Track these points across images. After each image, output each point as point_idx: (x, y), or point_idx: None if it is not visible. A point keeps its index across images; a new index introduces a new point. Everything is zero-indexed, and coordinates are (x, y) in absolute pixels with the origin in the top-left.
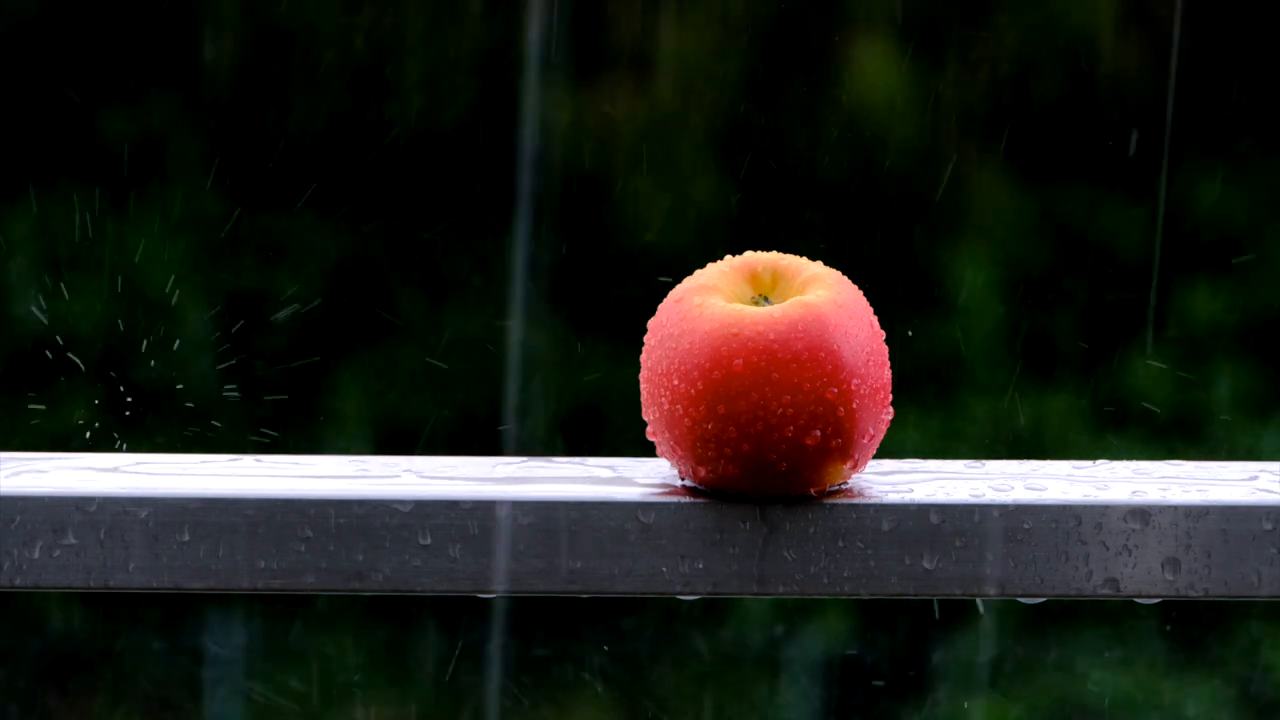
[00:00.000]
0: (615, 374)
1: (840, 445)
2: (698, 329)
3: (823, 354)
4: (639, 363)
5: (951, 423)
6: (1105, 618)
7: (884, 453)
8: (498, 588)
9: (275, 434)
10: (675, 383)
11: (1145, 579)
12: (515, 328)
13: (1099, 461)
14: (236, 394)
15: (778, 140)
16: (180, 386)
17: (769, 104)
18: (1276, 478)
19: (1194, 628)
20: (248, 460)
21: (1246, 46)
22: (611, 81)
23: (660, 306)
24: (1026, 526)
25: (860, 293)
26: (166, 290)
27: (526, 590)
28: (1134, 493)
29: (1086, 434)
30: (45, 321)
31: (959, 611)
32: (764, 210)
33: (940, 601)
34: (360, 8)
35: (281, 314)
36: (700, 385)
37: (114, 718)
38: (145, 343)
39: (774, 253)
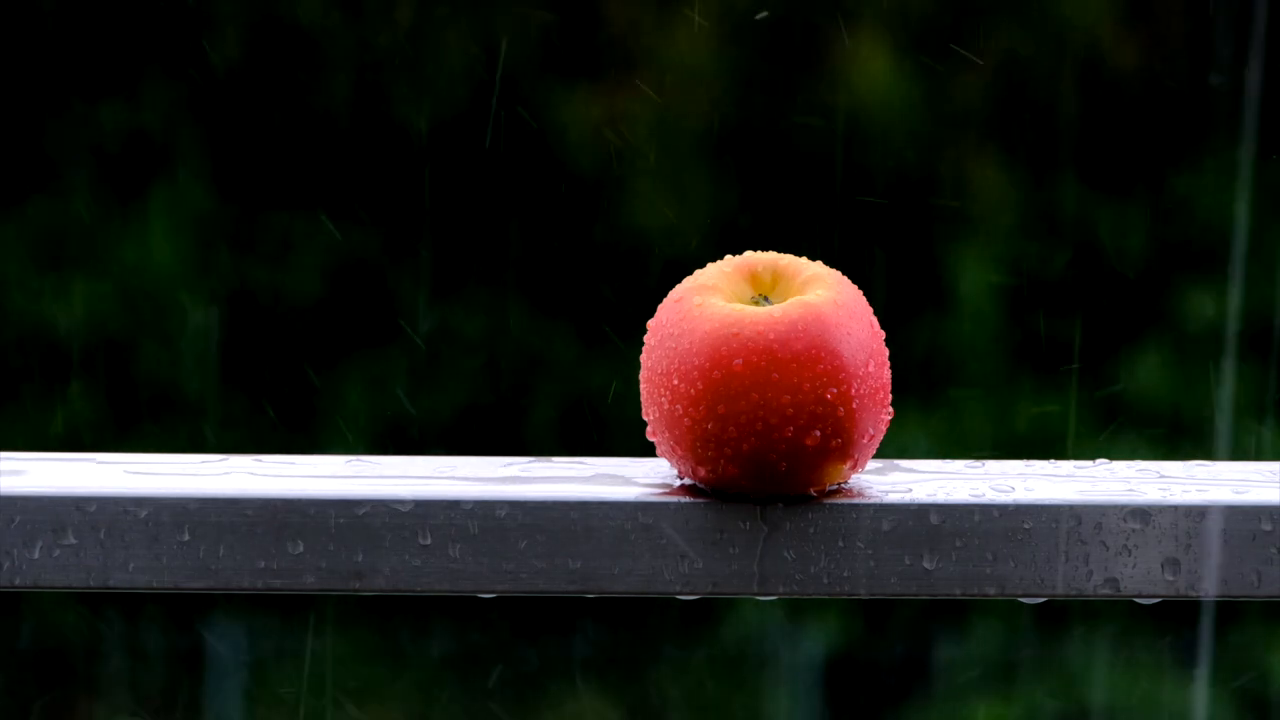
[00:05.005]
0: (615, 374)
1: (840, 445)
2: (698, 329)
3: (823, 354)
4: (639, 363)
5: (951, 423)
6: (1105, 618)
7: (884, 453)
8: (498, 588)
9: (275, 433)
10: (675, 383)
11: (1145, 579)
12: (515, 328)
13: (1099, 461)
14: (236, 393)
15: (777, 140)
16: (180, 386)
17: (768, 103)
18: (1277, 478)
19: (1194, 628)
20: (247, 460)
21: (1246, 45)
22: (611, 81)
23: (660, 306)
24: (1026, 526)
25: (860, 293)
26: (167, 289)
27: (526, 590)
28: (1134, 493)
29: (1086, 434)
30: (45, 321)
31: (959, 611)
32: (764, 209)
33: (940, 601)
34: (362, 6)
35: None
36: (700, 385)
37: (114, 718)
38: (145, 342)
39: (774, 252)
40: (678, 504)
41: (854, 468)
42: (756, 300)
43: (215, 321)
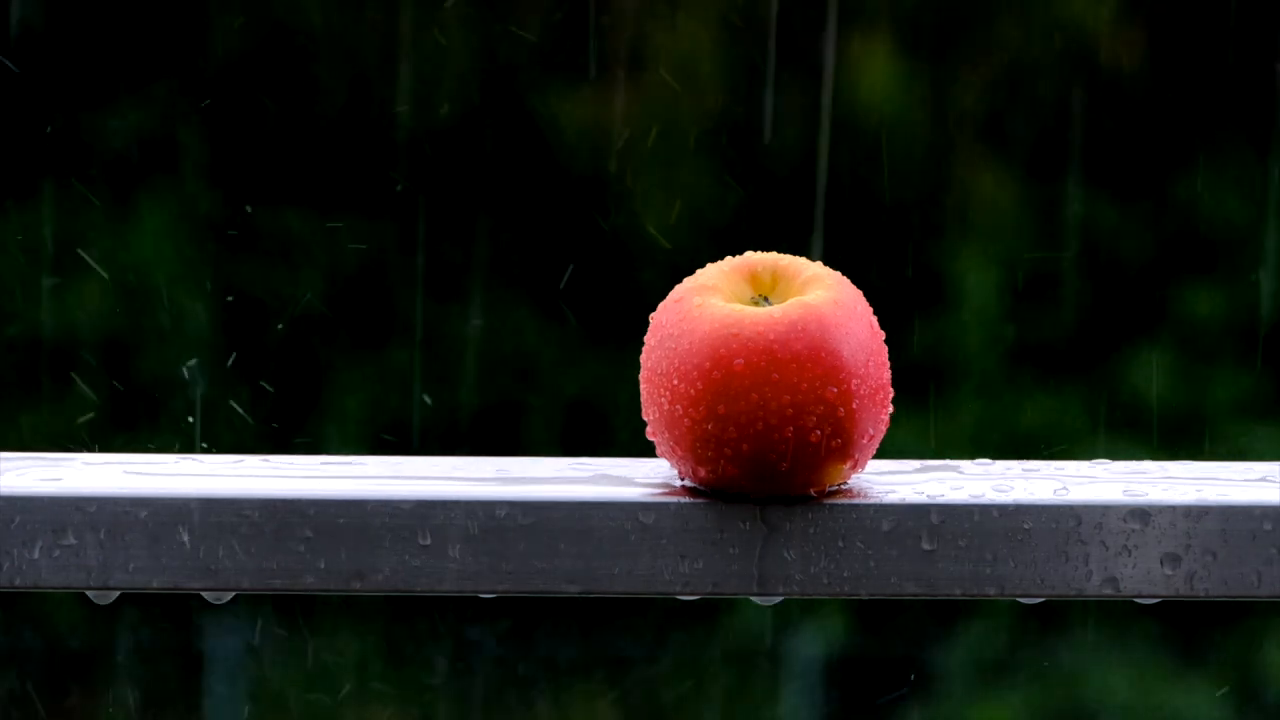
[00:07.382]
0: (615, 374)
1: (840, 445)
2: (697, 329)
3: (823, 354)
4: (639, 363)
5: (951, 423)
6: (1105, 618)
7: (884, 453)
8: (498, 588)
9: (275, 434)
10: (675, 383)
11: (1145, 579)
12: (514, 328)
13: (1099, 461)
14: (236, 393)
15: (777, 140)
16: (180, 386)
17: (768, 103)
18: (1277, 478)
19: (1194, 628)
20: (248, 460)
21: (1246, 46)
22: (611, 81)
23: (660, 306)
24: (1026, 526)
25: (860, 293)
26: (167, 289)
27: (526, 590)
28: (1134, 493)
29: (1086, 434)
30: (45, 321)
31: (958, 611)
32: (764, 210)
33: (940, 601)
34: (362, 6)
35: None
36: (700, 385)
37: (114, 718)
38: (145, 342)
39: (774, 253)
40: (678, 504)
41: (854, 468)
42: (756, 300)
43: (214, 321)
